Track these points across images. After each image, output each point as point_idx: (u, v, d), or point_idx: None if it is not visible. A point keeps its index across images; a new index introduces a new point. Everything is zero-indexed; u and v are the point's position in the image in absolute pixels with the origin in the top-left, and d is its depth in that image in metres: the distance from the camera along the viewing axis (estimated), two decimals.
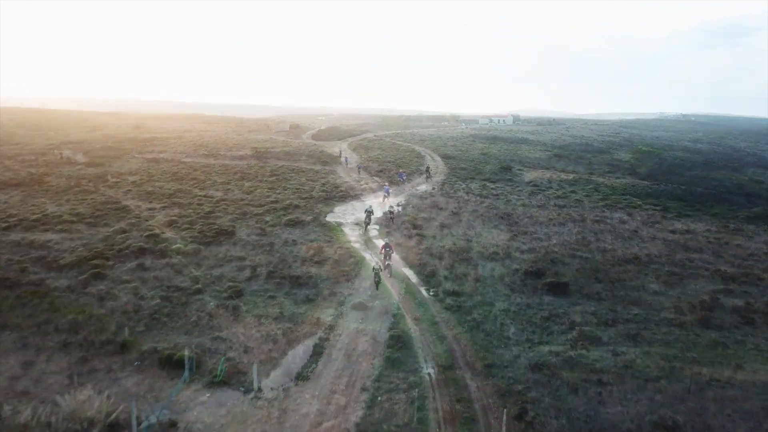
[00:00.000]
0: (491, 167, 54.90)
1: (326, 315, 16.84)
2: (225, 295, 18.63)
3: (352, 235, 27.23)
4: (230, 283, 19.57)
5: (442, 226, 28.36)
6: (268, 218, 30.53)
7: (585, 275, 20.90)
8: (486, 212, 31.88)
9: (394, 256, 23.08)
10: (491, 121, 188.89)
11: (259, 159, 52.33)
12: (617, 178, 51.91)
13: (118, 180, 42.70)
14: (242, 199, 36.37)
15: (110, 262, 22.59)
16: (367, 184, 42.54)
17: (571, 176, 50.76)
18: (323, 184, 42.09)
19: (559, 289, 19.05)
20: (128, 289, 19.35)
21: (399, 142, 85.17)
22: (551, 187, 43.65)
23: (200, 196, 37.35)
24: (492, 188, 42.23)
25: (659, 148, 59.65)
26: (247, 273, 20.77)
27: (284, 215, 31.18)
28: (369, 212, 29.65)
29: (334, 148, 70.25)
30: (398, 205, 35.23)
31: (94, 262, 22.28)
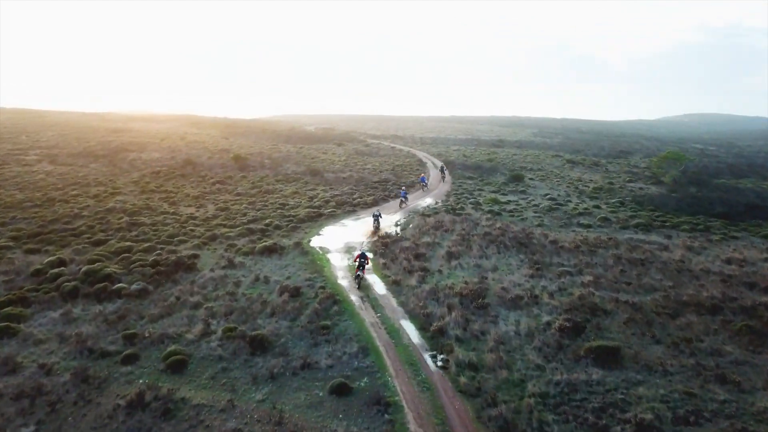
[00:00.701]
0: (500, 176, 50.43)
1: (293, 404, 12.34)
2: (163, 366, 14.14)
3: (341, 267, 22.72)
4: (174, 347, 15.06)
5: (450, 255, 23.84)
6: (240, 243, 26.08)
7: (637, 331, 16.39)
8: (500, 235, 27.37)
9: (392, 303, 18.62)
10: None
11: (241, 168, 47.81)
12: (641, 188, 47.42)
13: (78, 193, 38.21)
14: (215, 217, 31.91)
15: (30, 310, 18.18)
16: (361, 197, 38.03)
17: (589, 187, 46.27)
18: (311, 198, 37.60)
19: (608, 356, 14.53)
20: (38, 354, 14.92)
21: (398, 147, 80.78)
22: (570, 201, 39.14)
23: (167, 213, 32.89)
24: (504, 203, 37.72)
25: (681, 153, 55.09)
26: (199, 328, 16.24)
27: (260, 240, 26.71)
28: (377, 216, 29.96)
29: (327, 153, 65.82)
30: (397, 224, 30.78)
31: (9, 309, 17.82)
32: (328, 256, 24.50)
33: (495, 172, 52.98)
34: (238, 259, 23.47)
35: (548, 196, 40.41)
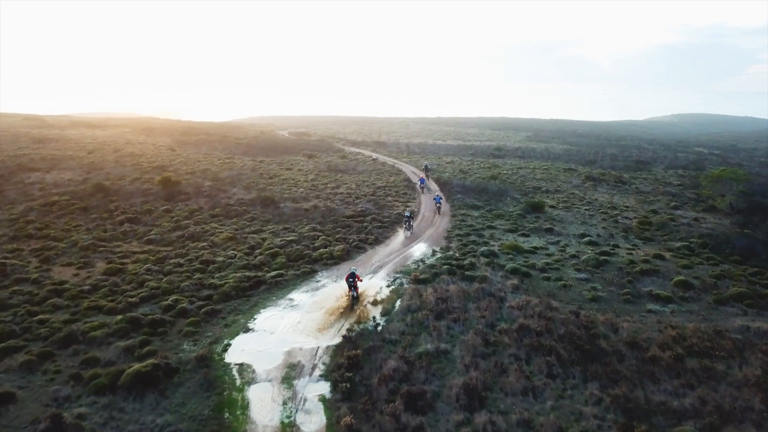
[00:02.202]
0: (512, 202, 40.53)
1: None
2: None
3: (269, 427, 12.49)
4: None
5: (470, 393, 13.72)
6: (105, 358, 15.67)
7: None
8: (544, 331, 17.34)
9: None
10: None
11: (168, 196, 37.07)
12: (696, 219, 37.97)
13: None
14: (95, 289, 21.42)
15: None
16: (326, 246, 27.71)
17: (632, 220, 36.66)
18: (252, 248, 27.14)
19: None
20: None
21: (381, 158, 70.64)
22: (617, 246, 29.40)
23: (25, 280, 22.37)
24: (529, 251, 27.79)
25: (739, 171, 45.82)
26: None
27: (143, 348, 16.29)
28: (408, 218, 31.80)
29: (292, 169, 55.35)
30: (376, 302, 20.63)
31: None
32: (250, 391, 14.22)
33: (504, 195, 43.12)
34: (76, 410, 13.08)
35: (586, 238, 30.56)
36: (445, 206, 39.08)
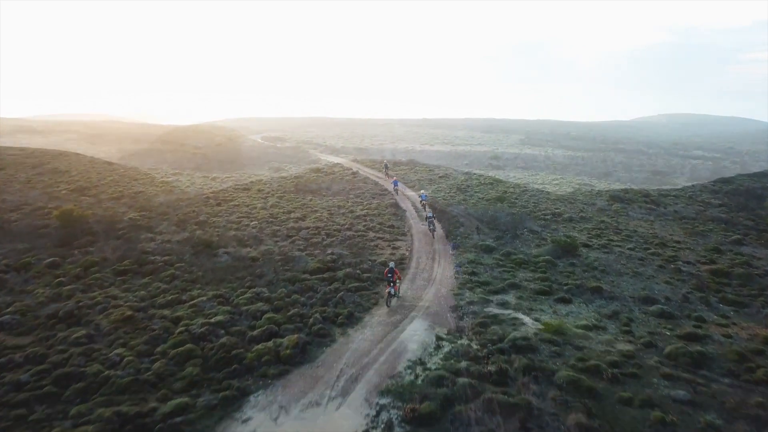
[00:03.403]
0: (534, 241, 31.83)
1: None
2: None
3: None
4: None
5: None
6: None
7: None
8: None
9: None
10: None
11: (64, 240, 27.57)
12: None
13: None
14: None
15: None
16: (274, 336, 18.60)
17: (695, 264, 28.29)
18: (154, 339, 17.82)
19: None
20: None
21: (362, 171, 61.68)
22: (703, 319, 20.87)
23: None
24: (579, 335, 19.06)
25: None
26: None
27: None
28: (431, 219, 32.09)
29: (251, 190, 46.08)
30: None
31: None
32: None
33: (520, 227, 34.47)
34: None
35: (654, 306, 21.97)
36: (445, 246, 30.29)
